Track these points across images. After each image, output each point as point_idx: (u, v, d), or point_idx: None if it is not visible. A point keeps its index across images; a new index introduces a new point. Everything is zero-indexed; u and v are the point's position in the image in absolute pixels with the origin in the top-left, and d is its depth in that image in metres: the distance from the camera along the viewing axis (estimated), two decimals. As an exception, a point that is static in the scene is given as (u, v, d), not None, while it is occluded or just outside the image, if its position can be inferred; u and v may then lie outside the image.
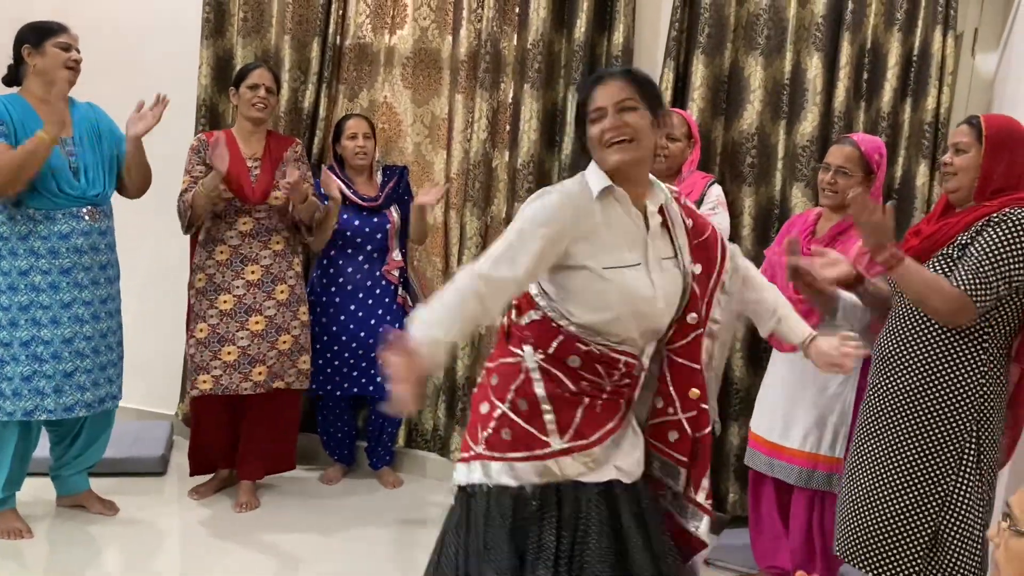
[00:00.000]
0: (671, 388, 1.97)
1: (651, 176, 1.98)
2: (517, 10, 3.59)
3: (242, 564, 3.05)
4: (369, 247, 3.55)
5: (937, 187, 3.18)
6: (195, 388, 3.32)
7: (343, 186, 3.50)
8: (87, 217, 2.97)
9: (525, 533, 1.87)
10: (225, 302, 3.30)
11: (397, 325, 3.59)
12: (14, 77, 2.97)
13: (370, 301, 3.56)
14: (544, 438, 1.88)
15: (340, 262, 3.55)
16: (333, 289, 3.55)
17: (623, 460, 1.94)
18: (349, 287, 3.55)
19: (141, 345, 3.49)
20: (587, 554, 1.84)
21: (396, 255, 3.59)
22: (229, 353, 3.30)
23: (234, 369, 3.30)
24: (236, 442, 3.50)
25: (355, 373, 3.58)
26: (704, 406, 1.97)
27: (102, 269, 3.04)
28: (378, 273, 3.57)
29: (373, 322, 3.55)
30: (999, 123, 2.18)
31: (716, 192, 3.06)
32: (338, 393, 3.62)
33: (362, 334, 3.54)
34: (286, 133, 3.70)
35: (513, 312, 2.00)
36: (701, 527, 2.00)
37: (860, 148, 2.69)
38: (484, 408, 1.96)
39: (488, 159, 3.64)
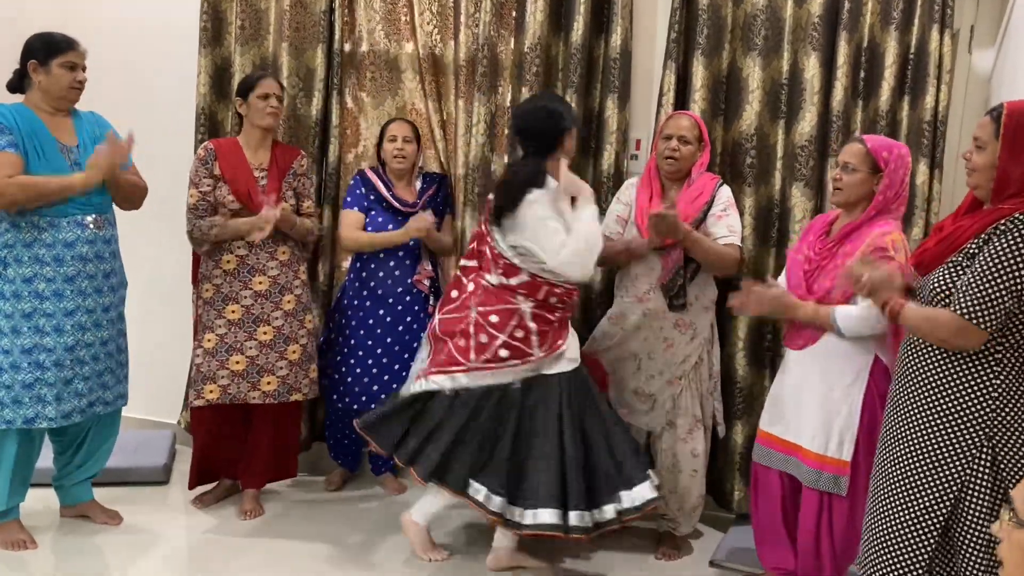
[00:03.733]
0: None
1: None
2: (514, 14, 3.59)
3: (247, 572, 3.05)
4: (401, 252, 3.52)
5: (938, 184, 3.19)
6: (200, 398, 3.30)
7: (383, 188, 3.52)
8: (92, 225, 2.97)
9: (498, 411, 2.94)
10: (233, 312, 3.29)
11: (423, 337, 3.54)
12: (19, 84, 2.98)
13: (400, 307, 3.52)
14: (530, 351, 2.93)
15: (372, 266, 3.53)
16: (365, 293, 3.53)
17: (567, 357, 2.98)
18: (380, 291, 3.52)
19: (142, 354, 3.49)
20: (547, 412, 2.93)
21: (427, 264, 3.56)
22: (237, 362, 3.29)
23: (243, 378, 3.30)
24: (240, 452, 3.49)
25: (375, 387, 3.53)
26: None
27: (106, 277, 3.04)
28: (409, 281, 3.54)
29: (401, 328, 3.52)
30: (1021, 119, 2.01)
31: (726, 194, 3.09)
32: (355, 407, 3.53)
33: (389, 339, 3.51)
34: (286, 140, 3.70)
35: (500, 278, 2.97)
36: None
37: (867, 145, 2.67)
38: (483, 339, 2.94)
39: (487, 163, 3.64)
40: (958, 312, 2.01)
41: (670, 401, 3.15)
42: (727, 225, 3.04)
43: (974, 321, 1.99)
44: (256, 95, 3.30)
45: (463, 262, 3.15)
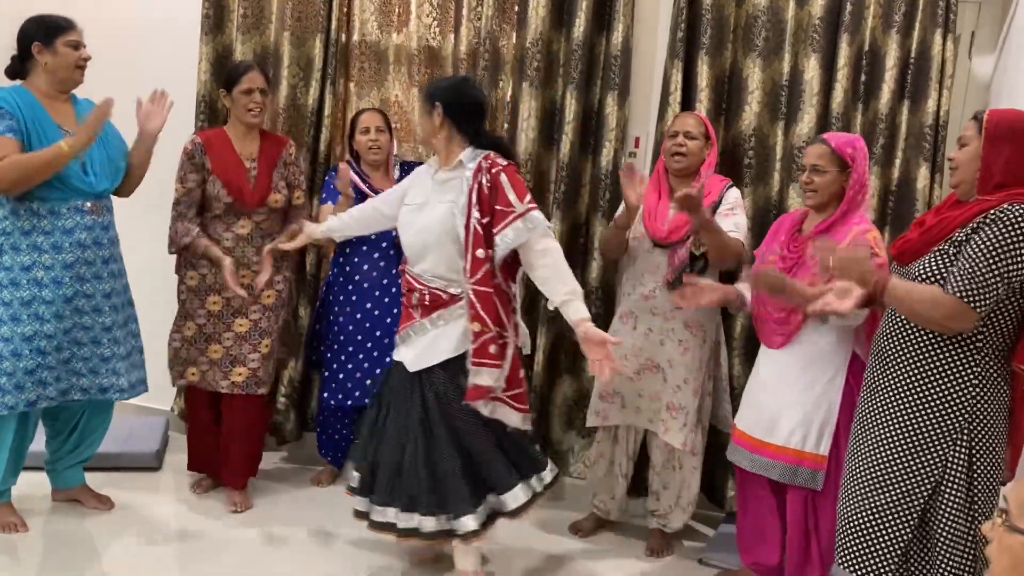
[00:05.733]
0: (480, 311, 2.60)
1: (463, 153, 2.70)
2: (516, 8, 3.60)
3: (237, 559, 3.06)
4: (384, 243, 3.48)
5: (938, 189, 3.19)
6: (183, 379, 3.35)
7: (359, 181, 3.48)
8: (90, 211, 2.96)
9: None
10: (215, 303, 3.31)
11: None
12: (18, 70, 2.95)
13: (386, 299, 3.48)
14: None
15: (356, 259, 3.51)
16: (350, 287, 3.50)
17: (403, 353, 2.79)
18: (366, 284, 3.49)
19: (137, 340, 3.49)
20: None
21: None
22: (215, 351, 3.32)
23: (217, 367, 3.32)
24: (216, 449, 3.48)
25: (366, 381, 3.50)
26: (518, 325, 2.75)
27: (105, 263, 3.03)
28: (394, 271, 3.49)
29: (389, 320, 3.47)
30: (1002, 116, 2.13)
31: (734, 195, 3.09)
32: (349, 403, 3.52)
33: (378, 332, 3.48)
34: (285, 130, 3.70)
35: None
36: (513, 419, 2.71)
37: (830, 144, 2.71)
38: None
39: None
40: (955, 295, 2.04)
41: (695, 415, 3.14)
42: (734, 222, 3.02)
43: (972, 304, 2.03)
44: (239, 90, 3.26)
45: None
